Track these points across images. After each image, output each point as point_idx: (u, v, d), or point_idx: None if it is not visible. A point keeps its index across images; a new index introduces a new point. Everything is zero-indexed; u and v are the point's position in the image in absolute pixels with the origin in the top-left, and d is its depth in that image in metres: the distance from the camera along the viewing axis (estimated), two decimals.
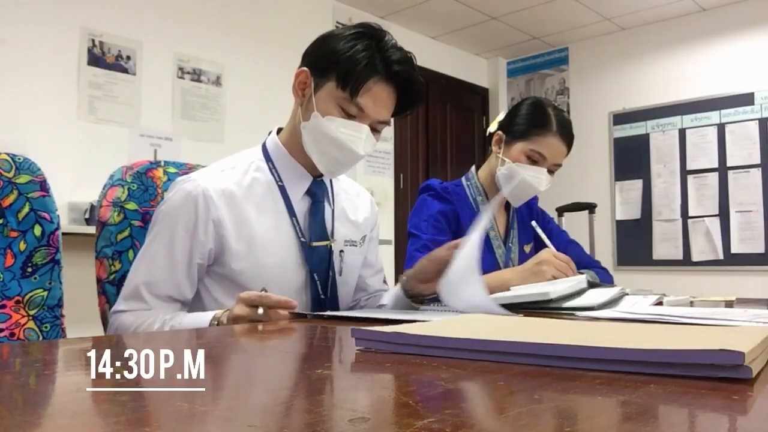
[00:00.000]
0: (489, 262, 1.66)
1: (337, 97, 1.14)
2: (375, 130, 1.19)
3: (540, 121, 1.67)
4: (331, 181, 1.30)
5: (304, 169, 1.23)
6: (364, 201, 1.38)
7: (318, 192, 1.24)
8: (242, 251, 1.14)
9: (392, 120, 1.17)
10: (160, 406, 0.45)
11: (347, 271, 1.27)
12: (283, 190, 1.20)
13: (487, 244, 1.72)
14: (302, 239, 1.19)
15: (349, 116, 1.15)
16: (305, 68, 1.19)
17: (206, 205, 1.12)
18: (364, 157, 1.21)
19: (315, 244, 1.20)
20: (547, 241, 1.55)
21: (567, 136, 1.68)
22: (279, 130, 1.29)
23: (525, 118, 1.69)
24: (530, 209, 1.86)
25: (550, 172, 1.69)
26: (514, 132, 1.69)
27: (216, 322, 1.04)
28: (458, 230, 1.64)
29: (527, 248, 1.81)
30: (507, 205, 1.81)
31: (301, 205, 1.22)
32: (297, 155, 1.22)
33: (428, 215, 1.65)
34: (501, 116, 1.78)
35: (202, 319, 1.07)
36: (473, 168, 1.82)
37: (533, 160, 1.66)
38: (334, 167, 1.20)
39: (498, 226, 1.77)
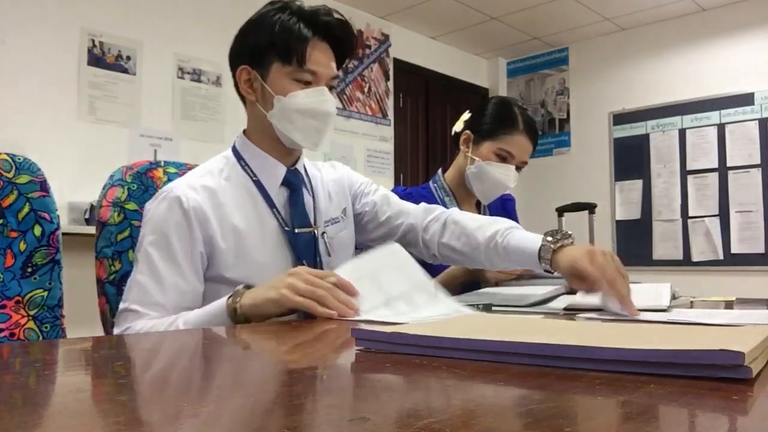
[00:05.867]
0: None
1: (288, 73, 1.18)
2: (332, 87, 1.23)
3: (508, 121, 1.72)
4: (305, 168, 1.30)
5: (276, 160, 1.24)
6: (329, 172, 1.38)
7: (294, 181, 1.25)
8: (230, 248, 1.13)
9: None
10: (160, 406, 0.45)
11: (337, 249, 1.27)
12: (258, 184, 1.21)
13: None
14: (286, 228, 1.19)
15: (306, 84, 1.19)
16: (244, 66, 1.21)
17: (190, 208, 1.12)
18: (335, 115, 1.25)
19: (298, 230, 1.21)
20: None
21: (533, 134, 1.75)
22: (244, 133, 1.30)
23: (492, 117, 1.75)
24: (506, 212, 1.91)
25: (518, 169, 1.75)
26: (481, 131, 1.75)
27: (234, 308, 0.99)
28: None
29: None
30: (477, 203, 1.86)
31: (279, 196, 1.23)
32: (266, 148, 1.24)
33: None
34: (466, 116, 1.83)
35: (212, 312, 1.02)
36: (440, 171, 1.87)
37: (502, 158, 1.72)
38: (316, 137, 1.22)
39: None
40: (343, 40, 1.24)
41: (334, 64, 1.23)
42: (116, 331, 1.07)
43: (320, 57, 1.19)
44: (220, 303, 1.02)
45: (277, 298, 0.98)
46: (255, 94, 1.22)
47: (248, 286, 1.03)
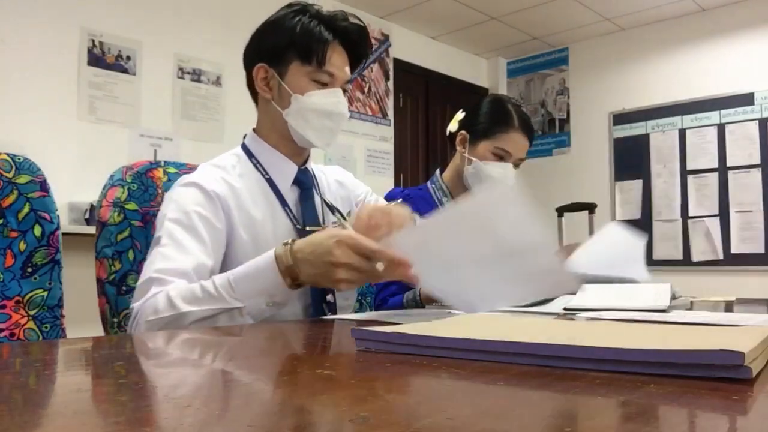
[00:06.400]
0: None
1: (307, 73, 1.20)
2: (345, 90, 1.26)
3: (502, 119, 1.73)
4: (312, 170, 1.32)
5: (288, 159, 1.25)
6: (334, 176, 1.40)
7: (305, 180, 1.27)
8: (249, 241, 1.15)
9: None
10: (160, 406, 0.45)
11: None
12: (271, 182, 1.23)
13: None
14: (298, 226, 1.21)
15: (323, 85, 1.22)
16: (261, 64, 1.23)
17: (215, 194, 1.13)
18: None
19: (309, 228, 1.22)
20: None
21: (528, 130, 1.75)
22: (253, 132, 1.31)
23: (487, 116, 1.76)
24: None
25: (515, 166, 1.75)
26: (477, 131, 1.75)
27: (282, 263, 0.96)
28: None
29: None
30: None
31: (291, 195, 1.24)
32: (279, 146, 1.25)
33: None
34: (460, 116, 1.83)
35: (258, 262, 0.99)
36: (437, 171, 1.87)
37: (499, 156, 1.72)
38: (329, 137, 1.24)
39: None
40: (359, 45, 1.27)
41: (348, 69, 1.25)
42: (137, 305, 1.01)
43: (338, 60, 1.22)
44: (268, 254, 0.99)
45: (333, 287, 1.07)
46: (271, 92, 1.24)
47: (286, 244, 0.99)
